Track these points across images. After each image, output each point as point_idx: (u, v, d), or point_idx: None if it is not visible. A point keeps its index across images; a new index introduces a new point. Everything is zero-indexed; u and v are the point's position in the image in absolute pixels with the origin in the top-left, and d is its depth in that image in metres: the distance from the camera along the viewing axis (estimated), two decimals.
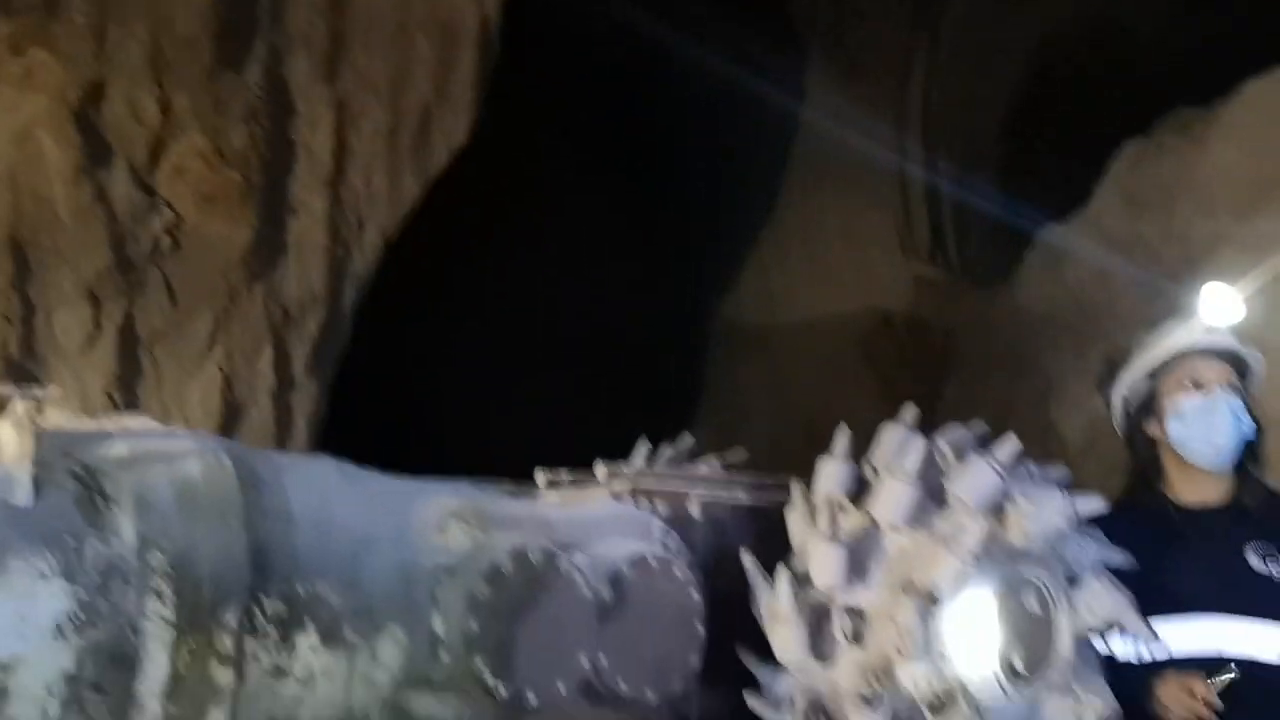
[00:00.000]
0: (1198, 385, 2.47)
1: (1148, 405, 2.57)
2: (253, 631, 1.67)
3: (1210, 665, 2.35)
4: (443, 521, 1.93)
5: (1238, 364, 2.52)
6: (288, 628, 1.72)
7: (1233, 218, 4.93)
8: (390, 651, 1.84)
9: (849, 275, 10.48)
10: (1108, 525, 2.57)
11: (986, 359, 8.46)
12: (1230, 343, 2.50)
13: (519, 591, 1.87)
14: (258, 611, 1.68)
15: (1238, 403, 2.44)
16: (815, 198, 10.59)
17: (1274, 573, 2.41)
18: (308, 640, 1.74)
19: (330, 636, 1.77)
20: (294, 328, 4.87)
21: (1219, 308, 2.49)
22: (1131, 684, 2.36)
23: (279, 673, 1.71)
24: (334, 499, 1.87)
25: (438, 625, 1.85)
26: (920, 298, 9.95)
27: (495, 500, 2.05)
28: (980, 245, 10.35)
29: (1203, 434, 2.44)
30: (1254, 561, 2.43)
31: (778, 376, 9.86)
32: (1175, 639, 2.38)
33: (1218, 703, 2.29)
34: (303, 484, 1.85)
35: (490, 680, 1.82)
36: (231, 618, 1.63)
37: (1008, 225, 10.13)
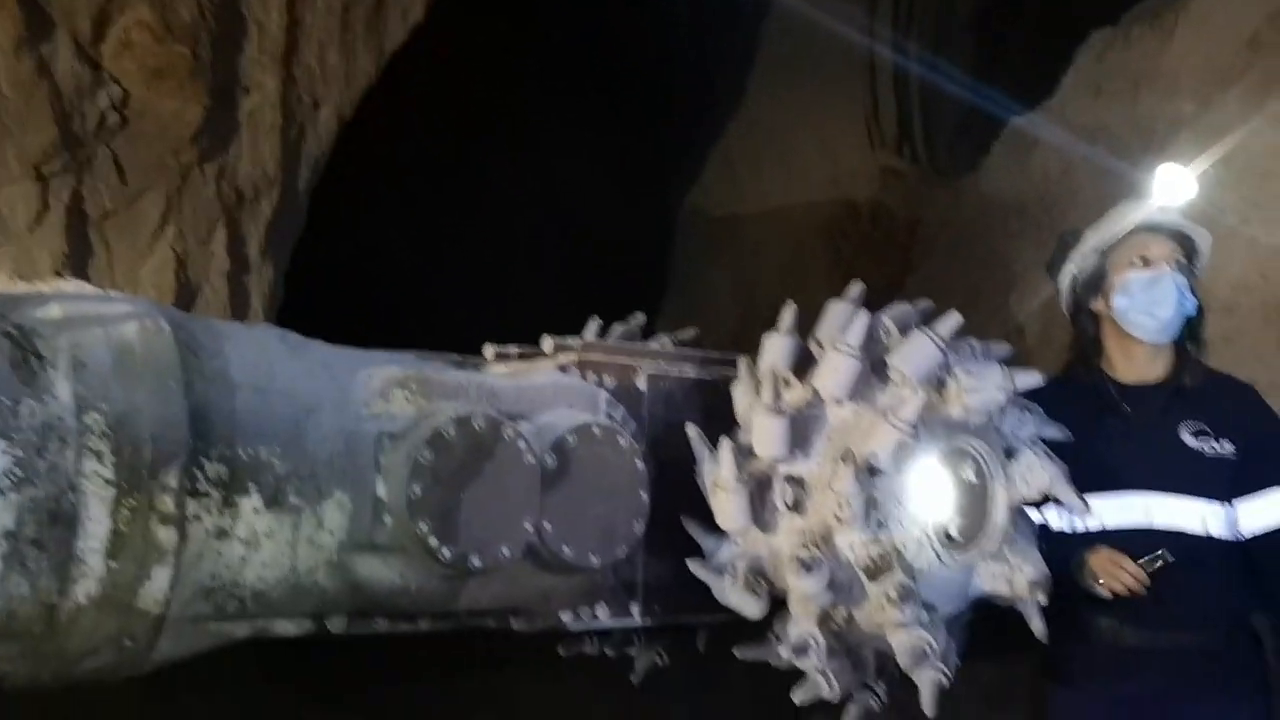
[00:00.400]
0: (1145, 262, 2.51)
1: (1095, 282, 2.62)
2: (194, 493, 1.68)
3: (1139, 537, 2.43)
4: (386, 389, 1.94)
5: (1187, 244, 2.55)
6: (230, 490, 1.73)
7: (1195, 105, 4.92)
8: (334, 515, 1.86)
9: (816, 166, 10.42)
10: (1047, 400, 2.63)
11: (951, 250, 8.49)
12: (1179, 221, 2.53)
13: (462, 457, 1.89)
14: (199, 474, 1.69)
15: (1183, 280, 2.48)
16: (783, 89, 10.47)
17: (1205, 450, 2.48)
18: (251, 503, 1.76)
19: (274, 500, 1.78)
20: (248, 209, 4.79)
21: (1170, 187, 2.51)
22: (1064, 554, 2.43)
23: (222, 534, 1.73)
24: (276, 365, 1.87)
25: (381, 490, 1.87)
26: (886, 188, 9.92)
27: (440, 370, 2.06)
28: (947, 136, 10.30)
29: (1146, 307, 2.49)
30: (1187, 439, 2.49)
31: (743, 266, 9.86)
32: (1107, 512, 2.45)
33: (1145, 579, 2.37)
34: (244, 350, 1.85)
35: (434, 543, 1.85)
36: (172, 479, 1.65)
37: (975, 116, 10.09)
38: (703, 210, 10.72)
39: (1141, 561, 2.39)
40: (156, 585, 1.64)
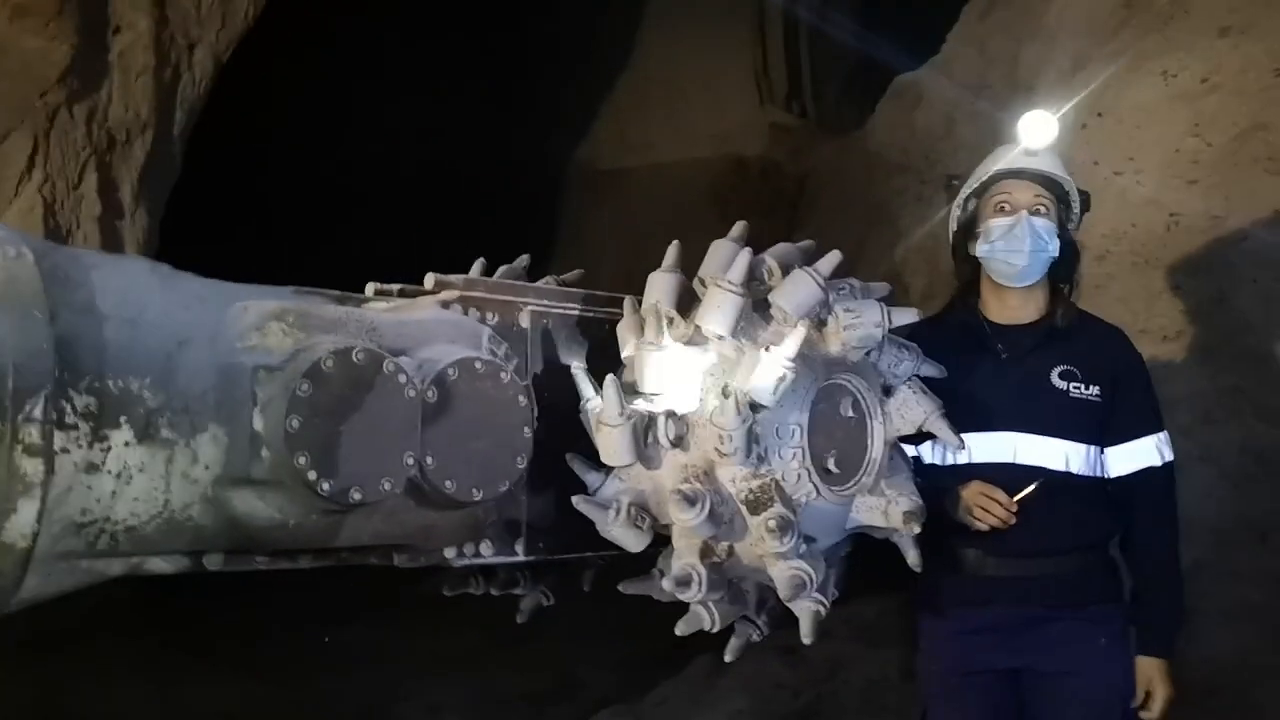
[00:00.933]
0: (1007, 208, 2.58)
1: (969, 227, 2.68)
2: (61, 425, 1.63)
3: (1005, 471, 2.51)
4: (262, 322, 1.89)
5: (1055, 189, 2.62)
6: (99, 423, 1.68)
7: (1073, 61, 5.05)
8: (209, 449, 1.82)
9: (705, 121, 10.47)
10: (925, 338, 2.70)
11: (837, 204, 8.62)
12: (1039, 165, 2.58)
13: (341, 390, 1.86)
14: (66, 405, 1.63)
15: (1043, 224, 2.54)
16: (674, 45, 10.47)
17: (1071, 391, 2.57)
18: (121, 436, 1.71)
19: (146, 433, 1.74)
20: (120, 152, 4.61)
21: (1033, 133, 2.57)
22: (935, 487, 2.51)
23: (92, 468, 1.68)
24: (146, 297, 1.81)
25: (258, 423, 1.83)
26: (775, 144, 10.03)
27: (318, 304, 2.01)
28: (835, 92, 10.43)
29: (1003, 253, 2.56)
30: (1055, 380, 2.58)
31: (631, 221, 9.86)
32: (976, 447, 2.53)
33: (1014, 507, 2.45)
34: (112, 280, 1.79)
35: (313, 477, 1.82)
36: (37, 410, 1.59)
37: (862, 72, 10.22)
38: (590, 163, 10.69)
39: (1017, 497, 2.48)
40: (23, 519, 1.59)
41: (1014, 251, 2.53)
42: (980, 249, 2.61)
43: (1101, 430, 2.59)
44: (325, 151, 8.69)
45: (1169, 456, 2.66)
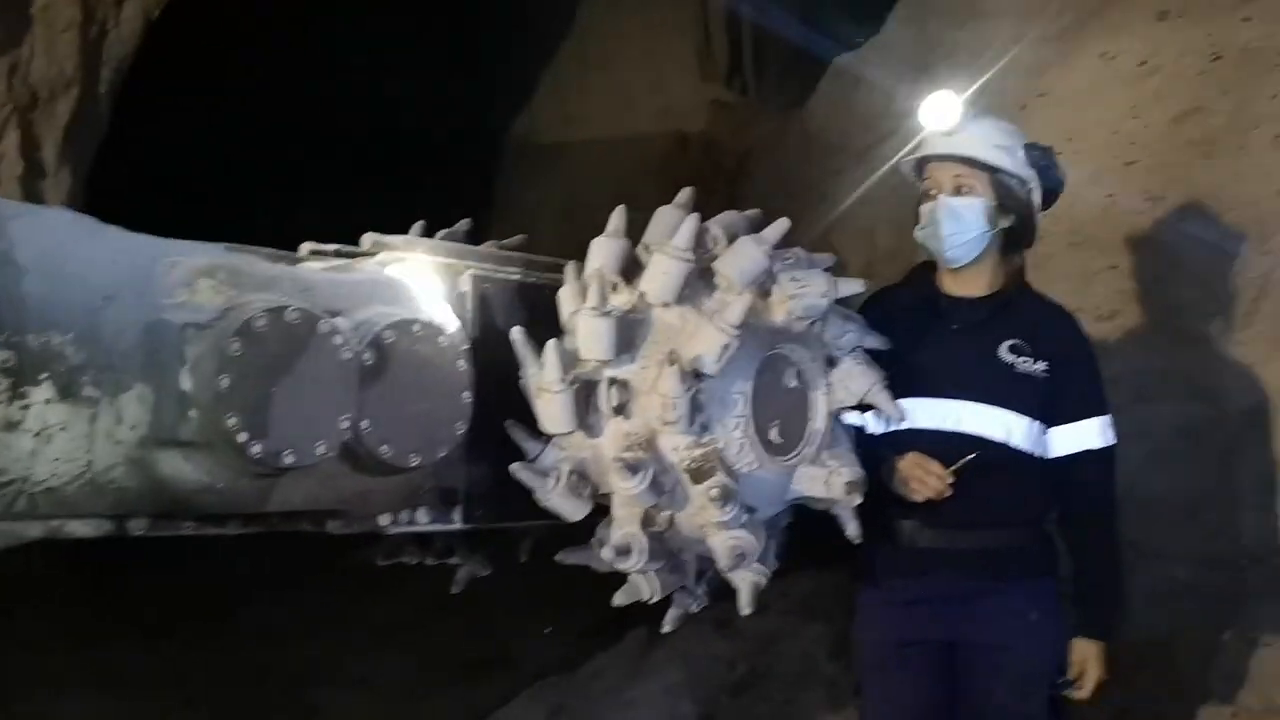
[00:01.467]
0: (933, 190, 2.57)
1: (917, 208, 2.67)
2: None
3: (946, 439, 2.51)
4: (192, 278, 1.82)
5: (984, 166, 2.57)
6: (19, 379, 1.61)
7: (1013, 43, 5.08)
8: (135, 409, 1.75)
9: (646, 97, 10.41)
10: (884, 302, 2.70)
11: (775, 183, 8.62)
12: (953, 147, 2.56)
13: (274, 350, 1.80)
14: None
15: (963, 203, 2.53)
16: (615, 19, 10.39)
17: (1018, 365, 2.57)
18: (42, 393, 1.64)
19: (67, 391, 1.67)
20: (42, 110, 4.46)
21: (936, 115, 2.55)
22: (875, 455, 2.51)
23: (10, 425, 1.62)
24: (69, 249, 1.74)
25: (186, 383, 1.77)
26: (716, 121, 10.00)
27: (251, 262, 1.95)
28: (777, 71, 10.42)
29: (929, 238, 2.56)
30: (1003, 353, 2.58)
31: (570, 194, 9.78)
32: (920, 414, 2.53)
33: (949, 478, 2.45)
34: (33, 232, 1.71)
35: (243, 439, 1.76)
36: None
37: (804, 51, 10.23)
38: (530, 134, 10.59)
39: (952, 468, 2.47)
40: None
41: (933, 236, 2.53)
42: (915, 231, 2.61)
43: (1045, 406, 2.59)
44: (260, 114, 8.51)
45: (1111, 440, 2.67)
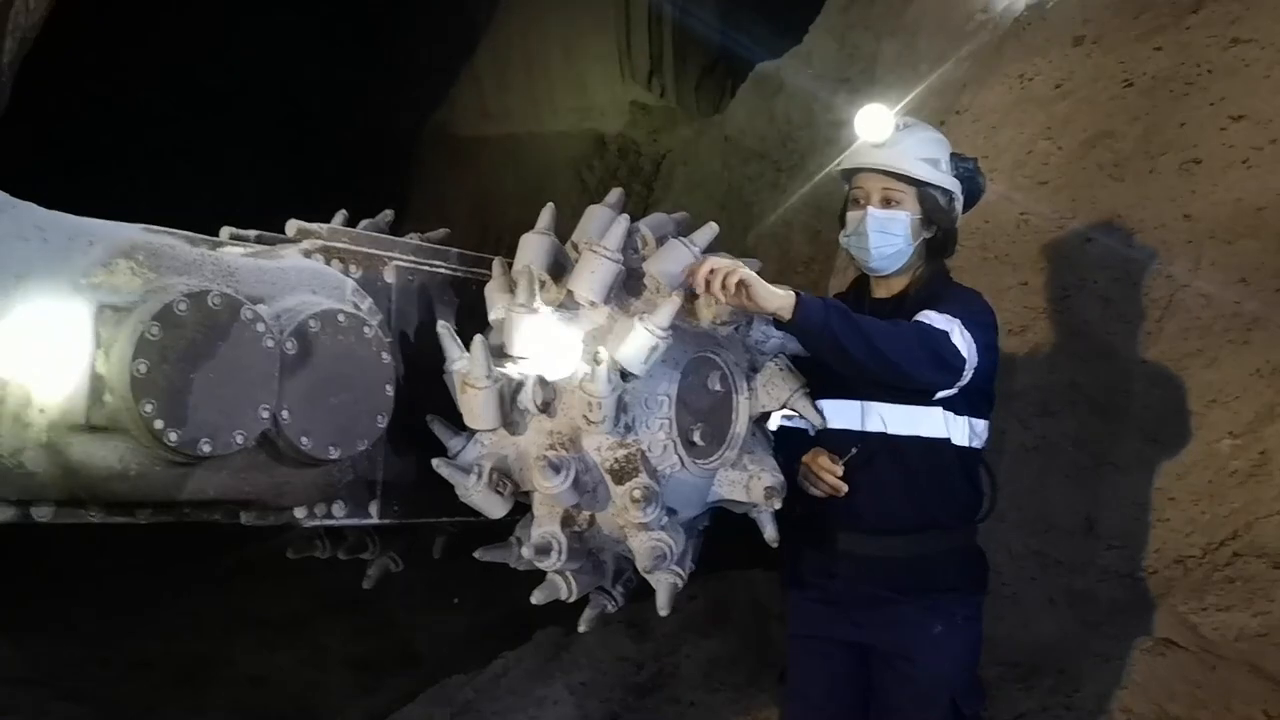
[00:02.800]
0: (858, 201, 2.59)
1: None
2: None
3: (852, 438, 2.50)
4: (110, 258, 1.77)
5: (908, 179, 2.57)
6: None
7: (931, 61, 5.17)
8: (46, 392, 1.69)
9: (566, 95, 10.37)
10: None
11: (693, 187, 8.65)
12: (883, 160, 2.54)
13: (194, 336, 1.75)
14: None
15: (890, 215, 2.53)
16: (537, 16, 10.33)
17: None
18: None
19: None
20: None
21: (868, 126, 2.56)
22: (791, 455, 2.52)
23: None
24: None
25: (101, 366, 1.71)
26: (635, 122, 10.01)
27: (171, 244, 1.89)
28: (696, 75, 10.47)
29: (855, 245, 2.58)
30: None
31: (486, 189, 9.72)
32: (834, 415, 2.53)
33: (839, 470, 2.45)
34: None
35: (159, 425, 1.71)
36: None
37: (724, 57, 10.30)
38: (447, 127, 10.48)
39: (841, 460, 2.46)
40: None
41: (859, 246, 2.53)
42: (840, 238, 2.62)
43: (954, 396, 2.54)
44: (177, 98, 8.28)
45: (941, 325, 2.40)
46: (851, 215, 2.60)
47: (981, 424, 2.61)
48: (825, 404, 2.50)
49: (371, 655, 5.90)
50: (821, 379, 2.46)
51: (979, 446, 2.60)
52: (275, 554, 2.64)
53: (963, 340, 2.38)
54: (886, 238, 2.54)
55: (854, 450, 2.47)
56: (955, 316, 2.41)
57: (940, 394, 2.45)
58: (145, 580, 6.62)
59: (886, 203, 2.55)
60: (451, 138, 10.48)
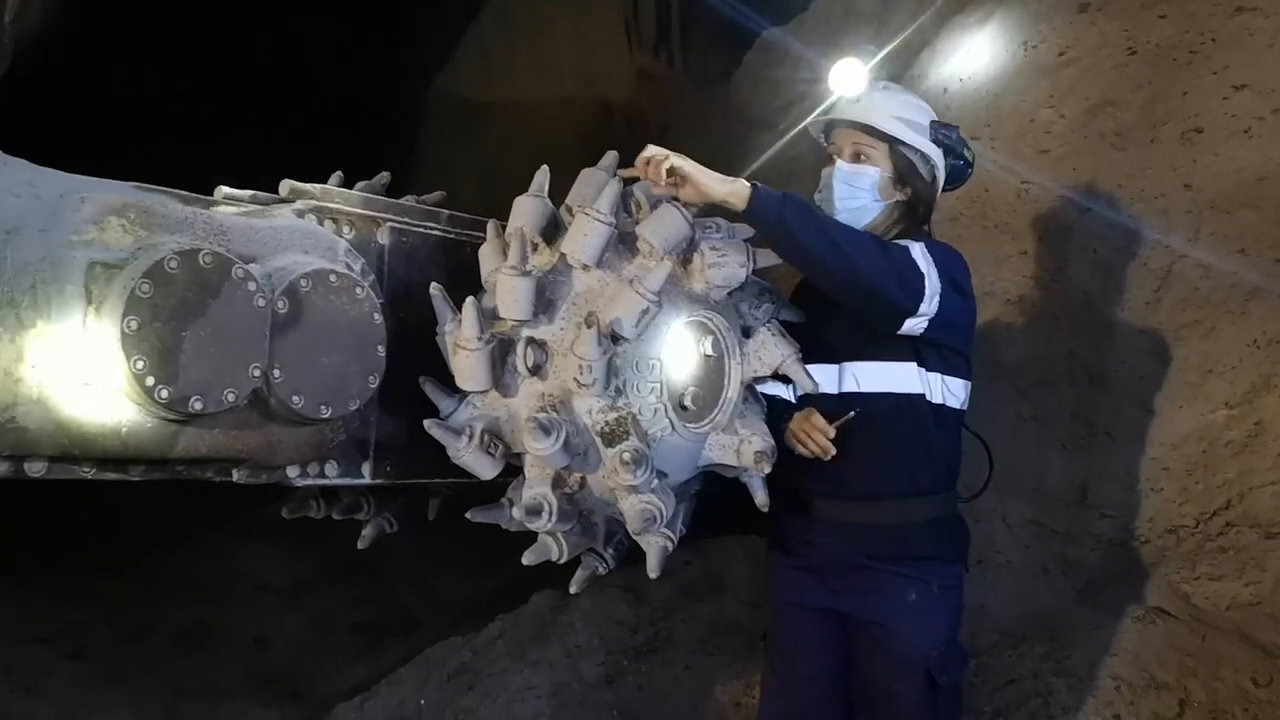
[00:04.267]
0: (832, 156, 2.58)
1: None
2: None
3: (843, 400, 2.49)
4: (101, 215, 1.77)
5: (883, 134, 2.53)
6: None
7: (938, 28, 5.13)
8: (39, 348, 1.70)
9: (572, 62, 10.31)
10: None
11: (699, 156, 8.61)
12: (852, 113, 2.53)
13: (185, 293, 1.76)
14: None
15: (860, 170, 2.52)
16: None
17: None
18: None
19: None
20: None
21: (843, 81, 2.55)
22: (781, 420, 2.52)
23: None
24: None
25: (92, 322, 1.72)
26: (641, 90, 9.96)
27: (163, 202, 1.90)
28: (703, 43, 10.40)
29: (824, 200, 2.56)
30: None
31: (491, 156, 9.69)
32: (821, 378, 2.52)
33: (831, 432, 2.43)
34: None
35: (150, 382, 1.72)
36: None
37: (732, 25, 10.23)
38: (453, 95, 10.43)
39: (835, 424, 2.43)
40: None
41: (825, 200, 2.52)
42: (814, 195, 2.59)
43: (926, 350, 2.51)
44: (178, 63, 8.26)
45: (920, 264, 2.38)
46: (824, 171, 2.59)
47: (957, 383, 2.55)
48: (816, 368, 2.51)
49: (372, 619, 5.94)
50: (809, 341, 2.47)
51: (956, 407, 2.55)
52: (277, 519, 2.65)
53: (923, 260, 2.35)
54: (851, 190, 2.52)
55: (853, 413, 2.43)
56: (936, 266, 2.37)
57: (907, 325, 2.36)
58: (147, 544, 6.67)
59: (856, 157, 2.54)
60: (456, 104, 10.44)
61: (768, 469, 2.36)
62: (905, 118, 2.54)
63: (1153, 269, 3.52)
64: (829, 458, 2.40)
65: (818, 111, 2.57)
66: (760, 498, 2.47)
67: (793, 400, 2.58)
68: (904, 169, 2.54)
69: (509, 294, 2.16)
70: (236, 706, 4.64)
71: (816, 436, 2.40)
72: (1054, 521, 3.74)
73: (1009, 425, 3.82)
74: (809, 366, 2.47)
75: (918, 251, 2.35)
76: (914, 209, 2.57)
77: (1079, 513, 3.68)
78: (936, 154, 2.58)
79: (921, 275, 2.32)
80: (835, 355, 2.51)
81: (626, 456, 2.15)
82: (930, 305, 2.34)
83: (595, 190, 2.30)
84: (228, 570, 6.56)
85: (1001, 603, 3.78)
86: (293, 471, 2.11)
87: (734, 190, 2.21)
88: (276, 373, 1.91)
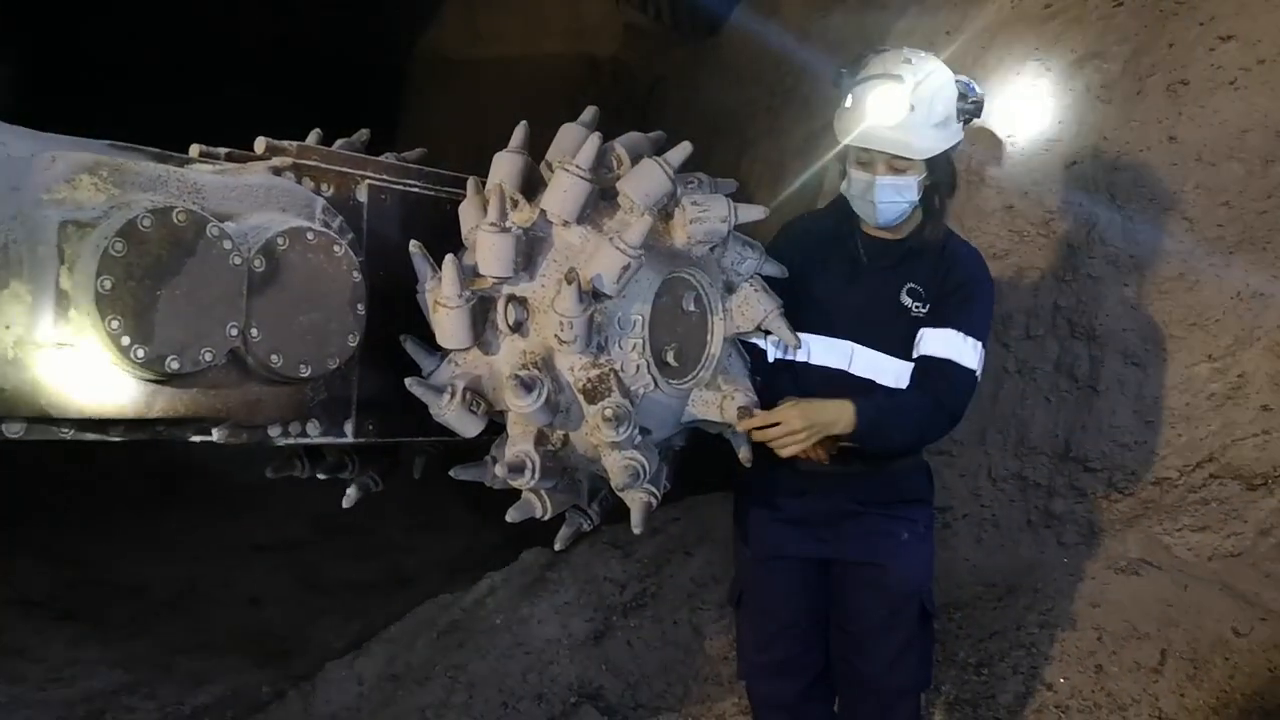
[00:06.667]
0: (863, 164, 2.49)
1: (844, 154, 2.58)
2: None
3: (837, 378, 2.54)
4: (73, 174, 1.76)
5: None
6: None
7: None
8: (12, 308, 1.69)
9: (558, 17, 10.21)
10: (801, 229, 2.70)
11: (687, 112, 8.56)
12: (891, 147, 2.43)
13: (159, 252, 1.75)
14: None
15: (898, 182, 2.47)
16: None
17: (913, 309, 2.55)
18: None
19: None
20: None
21: (885, 110, 2.43)
22: (772, 385, 2.53)
23: None
24: None
25: (66, 282, 1.71)
26: (629, 45, 9.87)
27: (136, 160, 1.88)
28: None
29: (862, 205, 2.51)
30: (904, 298, 2.56)
31: (477, 113, 9.60)
32: (816, 349, 2.55)
33: (826, 459, 2.53)
34: None
35: (126, 342, 1.71)
36: None
37: None
38: (437, 51, 10.34)
39: (828, 451, 2.50)
40: None
41: (866, 207, 2.47)
42: (844, 187, 2.55)
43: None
44: (163, 23, 8.15)
45: (969, 363, 2.50)
46: (858, 175, 2.51)
47: None
48: (809, 338, 2.53)
49: (364, 578, 5.97)
50: (806, 310, 2.50)
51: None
52: (268, 480, 2.65)
53: (978, 361, 2.53)
54: (895, 204, 2.51)
55: (844, 448, 2.54)
56: (979, 333, 2.53)
57: None
58: (137, 505, 6.68)
59: (894, 170, 2.48)
60: (443, 60, 10.35)
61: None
62: (940, 122, 2.46)
63: (1138, 222, 3.52)
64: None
65: (857, 132, 2.47)
66: (744, 453, 2.48)
67: (774, 355, 2.59)
68: (937, 165, 2.52)
69: (489, 251, 2.15)
70: (229, 664, 4.67)
71: (812, 456, 2.50)
72: (1038, 475, 3.76)
73: (994, 378, 3.83)
74: (814, 337, 2.50)
75: (977, 360, 2.54)
76: (939, 189, 2.55)
77: (1063, 466, 3.70)
78: (960, 133, 2.53)
79: (973, 374, 2.53)
80: (839, 329, 2.56)
81: (609, 413, 2.15)
82: (980, 368, 2.58)
83: (575, 145, 2.28)
84: (221, 529, 6.58)
85: (986, 556, 3.81)
86: (274, 431, 2.11)
87: (841, 419, 2.45)
88: (254, 332, 1.90)
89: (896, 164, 2.47)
